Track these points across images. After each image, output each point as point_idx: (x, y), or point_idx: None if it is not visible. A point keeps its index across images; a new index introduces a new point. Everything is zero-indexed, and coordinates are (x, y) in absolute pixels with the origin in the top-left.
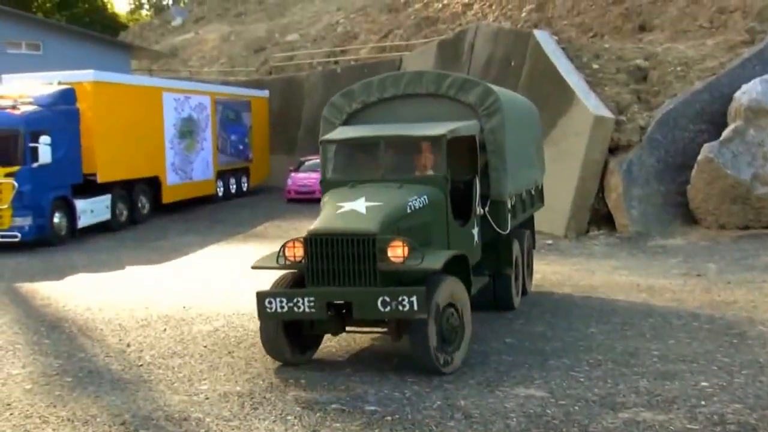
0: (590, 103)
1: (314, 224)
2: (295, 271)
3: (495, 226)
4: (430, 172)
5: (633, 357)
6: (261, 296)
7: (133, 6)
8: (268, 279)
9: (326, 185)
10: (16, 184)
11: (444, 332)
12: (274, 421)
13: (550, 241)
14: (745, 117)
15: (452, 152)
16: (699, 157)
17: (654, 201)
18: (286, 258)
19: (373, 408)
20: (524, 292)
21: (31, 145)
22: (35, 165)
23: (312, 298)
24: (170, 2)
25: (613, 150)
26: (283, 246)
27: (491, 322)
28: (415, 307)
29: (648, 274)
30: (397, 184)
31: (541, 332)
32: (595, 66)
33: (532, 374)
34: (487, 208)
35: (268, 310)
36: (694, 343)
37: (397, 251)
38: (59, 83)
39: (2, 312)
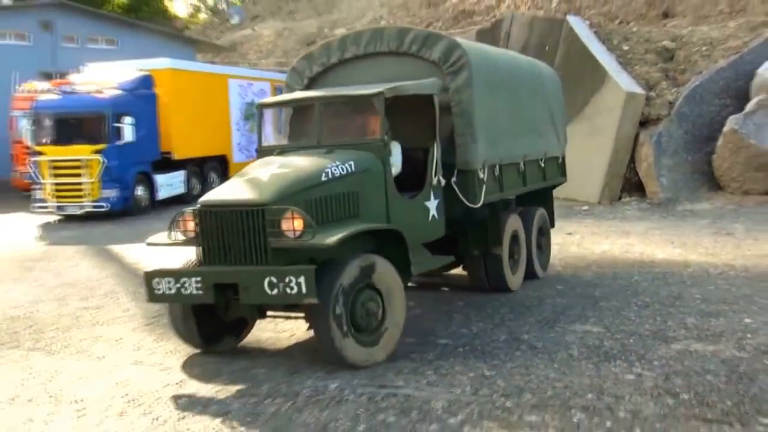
0: (622, 81)
1: (206, 194)
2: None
3: (463, 199)
4: (369, 137)
5: (677, 299)
6: (149, 276)
7: (191, 10)
8: None
9: (260, 153)
10: (103, 160)
11: (357, 315)
12: None
13: (585, 207)
14: None
15: (405, 115)
16: (724, 129)
17: (682, 170)
18: (179, 232)
19: (444, 341)
20: (533, 274)
21: (116, 125)
22: (119, 143)
23: (198, 279)
24: (225, 5)
25: (644, 123)
26: (174, 219)
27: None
28: (303, 290)
29: (680, 233)
30: (327, 150)
31: (589, 280)
32: (625, 48)
33: (586, 314)
34: (454, 179)
35: (156, 291)
36: (732, 288)
37: (290, 224)
38: (139, 70)
39: (101, 268)
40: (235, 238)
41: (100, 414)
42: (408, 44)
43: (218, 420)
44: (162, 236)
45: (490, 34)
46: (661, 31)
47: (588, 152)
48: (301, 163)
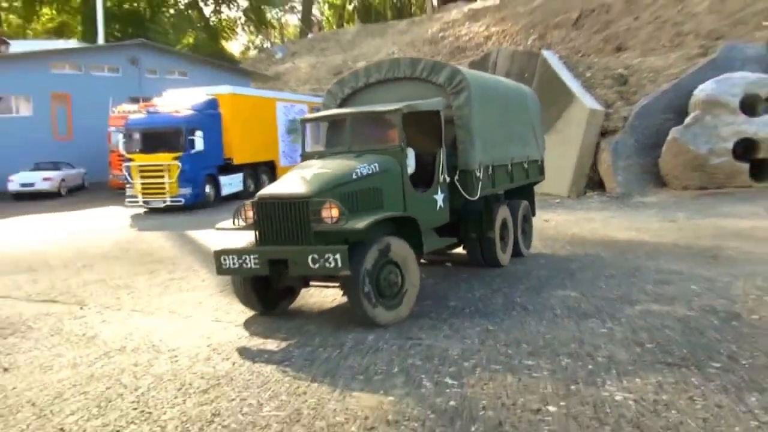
0: (586, 101)
1: (262, 190)
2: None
3: (463, 193)
4: (389, 144)
5: (637, 271)
6: (217, 254)
7: (243, 48)
8: None
9: (304, 157)
10: (180, 164)
11: (381, 287)
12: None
13: (558, 200)
14: (703, 107)
15: (418, 127)
16: (668, 137)
17: (634, 170)
18: (242, 220)
19: (454, 303)
20: (519, 253)
21: (189, 137)
22: (192, 152)
23: (256, 256)
24: (270, 45)
25: (604, 134)
26: (237, 209)
27: (529, 253)
28: (339, 264)
29: (634, 220)
30: (356, 155)
31: (565, 256)
32: (588, 75)
33: (565, 282)
34: (456, 177)
35: (224, 266)
36: (679, 262)
37: (329, 213)
38: (206, 95)
39: (181, 248)
40: (285, 224)
41: (190, 359)
42: (420, 71)
43: (284, 364)
44: (227, 223)
45: (480, 65)
46: (617, 61)
47: (559, 156)
48: (336, 164)
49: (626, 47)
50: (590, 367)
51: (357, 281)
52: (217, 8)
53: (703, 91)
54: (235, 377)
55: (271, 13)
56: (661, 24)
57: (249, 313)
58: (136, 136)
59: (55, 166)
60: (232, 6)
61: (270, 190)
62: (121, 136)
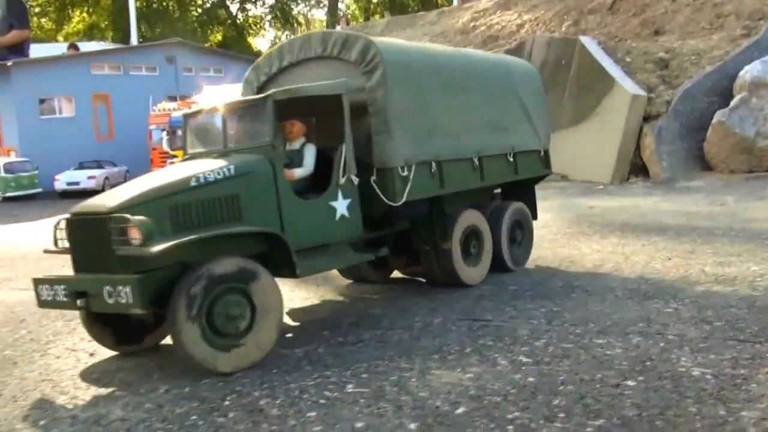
0: (628, 86)
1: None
2: None
3: (382, 197)
4: (260, 140)
5: (692, 253)
6: (35, 283)
7: (270, 45)
8: None
9: (183, 160)
10: None
11: (216, 323)
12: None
13: (600, 186)
14: (749, 89)
15: (324, 117)
16: (713, 121)
17: (679, 155)
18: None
19: (514, 287)
20: (505, 268)
21: None
22: None
23: (64, 287)
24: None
25: (646, 119)
26: (55, 226)
27: (576, 239)
28: (130, 299)
29: (682, 204)
30: (219, 155)
31: (616, 242)
32: (628, 59)
33: (622, 266)
34: (373, 177)
35: (42, 297)
36: (736, 244)
37: (130, 233)
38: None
39: None
40: (93, 246)
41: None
42: (331, 48)
43: (359, 345)
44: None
45: (515, 53)
46: (656, 45)
47: (600, 143)
48: (180, 169)
49: (664, 31)
50: (662, 344)
51: (174, 317)
52: (243, 5)
53: (748, 72)
54: (313, 358)
55: (297, 8)
56: (700, 6)
57: (313, 300)
58: (179, 133)
59: (99, 164)
60: (258, 3)
61: (85, 203)
62: (164, 133)
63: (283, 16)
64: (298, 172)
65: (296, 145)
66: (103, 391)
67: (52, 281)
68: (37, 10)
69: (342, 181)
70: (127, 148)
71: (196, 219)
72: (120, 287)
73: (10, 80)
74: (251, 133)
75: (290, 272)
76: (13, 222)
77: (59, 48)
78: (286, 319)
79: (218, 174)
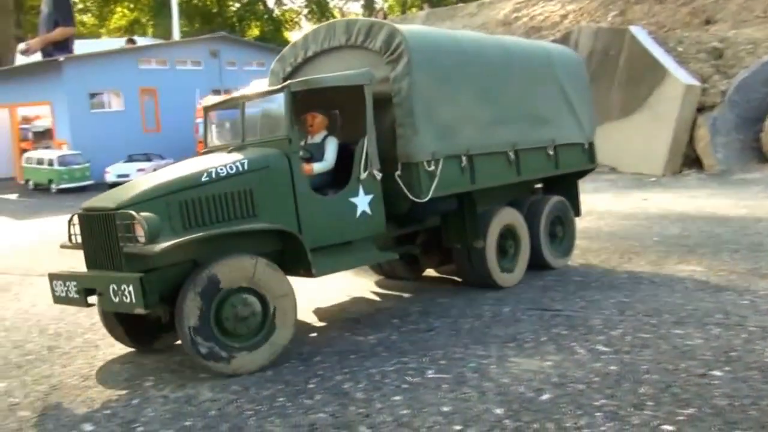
0: (681, 76)
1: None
2: None
3: (407, 193)
4: (276, 133)
5: (760, 246)
6: (50, 278)
7: None
8: None
9: (203, 154)
10: None
11: (224, 323)
12: None
13: (653, 179)
14: None
15: (349, 109)
16: None
17: (734, 146)
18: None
19: (579, 279)
20: (544, 265)
21: None
22: None
23: (75, 283)
24: None
25: (700, 110)
26: (69, 221)
27: (635, 231)
28: (133, 299)
29: (740, 197)
30: (234, 149)
31: (679, 233)
32: (680, 49)
33: (687, 258)
34: (398, 172)
35: (56, 293)
36: None
37: (136, 230)
38: None
39: None
40: (100, 243)
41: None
42: (355, 37)
43: (431, 332)
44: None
45: (561, 44)
46: (709, 35)
47: (651, 134)
48: (192, 164)
49: (715, 20)
50: (744, 335)
51: (181, 319)
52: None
53: None
54: (388, 345)
55: (333, 2)
56: None
57: (387, 288)
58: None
59: (147, 157)
60: None
61: (95, 198)
62: (213, 126)
63: (319, 10)
64: (318, 167)
65: (317, 138)
66: (188, 372)
67: (65, 277)
68: (79, 6)
69: (363, 176)
70: (173, 141)
71: (207, 216)
72: (124, 286)
73: (62, 76)
74: (269, 126)
75: (307, 271)
76: (68, 212)
77: (106, 44)
78: (355, 307)
79: (231, 169)
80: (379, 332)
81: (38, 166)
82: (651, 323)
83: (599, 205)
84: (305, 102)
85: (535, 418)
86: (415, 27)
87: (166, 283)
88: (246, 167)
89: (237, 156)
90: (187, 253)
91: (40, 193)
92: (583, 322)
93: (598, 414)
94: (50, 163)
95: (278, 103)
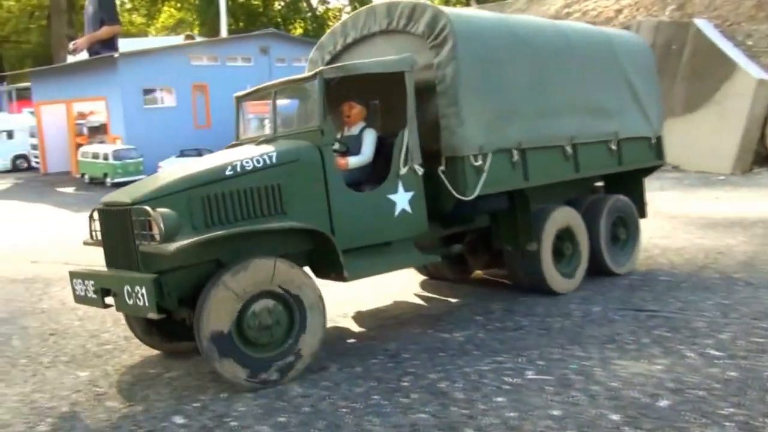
0: (752, 71)
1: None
2: None
3: (451, 189)
4: (308, 124)
5: None
6: (71, 276)
7: None
8: None
9: (232, 146)
10: None
11: (248, 333)
12: None
13: (722, 177)
14: None
15: (389, 99)
16: None
17: None
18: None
19: (665, 279)
20: (607, 270)
21: None
22: None
23: (92, 282)
24: None
25: None
26: (90, 216)
27: (714, 230)
28: (146, 302)
29: None
30: (263, 141)
31: (762, 233)
32: (749, 43)
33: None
34: (442, 167)
35: (76, 292)
36: None
37: (153, 227)
38: None
39: None
40: (118, 240)
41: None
42: (397, 20)
43: (520, 331)
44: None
45: None
46: None
47: (719, 131)
48: (217, 157)
49: None
50: None
51: (198, 327)
52: None
53: None
54: (477, 343)
55: None
56: None
57: (448, 287)
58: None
59: (198, 152)
60: None
61: (114, 193)
62: (266, 122)
63: (362, 6)
64: (353, 161)
65: (355, 130)
66: None
67: (84, 275)
68: (128, 6)
69: (403, 171)
70: (223, 137)
71: (231, 212)
72: (137, 287)
73: (116, 72)
74: (301, 116)
75: (338, 275)
76: None
77: (155, 42)
78: (433, 303)
79: (257, 162)
80: (464, 330)
81: (94, 161)
82: (761, 326)
83: (668, 203)
84: (342, 91)
85: (657, 426)
86: (462, 10)
87: (187, 284)
88: (274, 160)
89: (265, 148)
90: (210, 253)
91: (95, 186)
92: (685, 324)
93: (728, 424)
94: (105, 158)
95: (311, 92)
